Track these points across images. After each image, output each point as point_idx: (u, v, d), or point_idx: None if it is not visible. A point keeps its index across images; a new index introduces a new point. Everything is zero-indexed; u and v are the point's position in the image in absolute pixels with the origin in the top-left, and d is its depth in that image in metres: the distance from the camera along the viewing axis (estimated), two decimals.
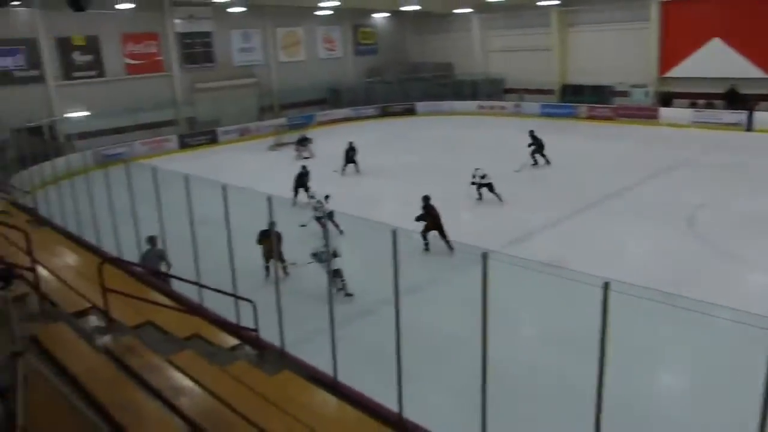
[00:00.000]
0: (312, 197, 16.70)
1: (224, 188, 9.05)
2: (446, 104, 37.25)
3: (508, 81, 37.61)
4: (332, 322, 7.71)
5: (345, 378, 7.55)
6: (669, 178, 19.53)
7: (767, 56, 27.53)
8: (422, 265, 13.06)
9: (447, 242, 13.72)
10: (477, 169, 18.05)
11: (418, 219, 13.93)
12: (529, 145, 22.13)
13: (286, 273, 12.11)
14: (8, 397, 3.35)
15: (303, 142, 26.53)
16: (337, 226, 14.82)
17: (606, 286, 5.07)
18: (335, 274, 10.90)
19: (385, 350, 7.43)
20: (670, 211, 15.85)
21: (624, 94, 32.42)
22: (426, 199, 14.18)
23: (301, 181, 18.44)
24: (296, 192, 18.18)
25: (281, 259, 11.73)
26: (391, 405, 6.54)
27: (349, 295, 11.49)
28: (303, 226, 14.88)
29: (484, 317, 5.83)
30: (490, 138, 28.84)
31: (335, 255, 11.11)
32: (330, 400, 6.25)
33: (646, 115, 30.07)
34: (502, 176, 19.93)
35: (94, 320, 6.86)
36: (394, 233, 6.69)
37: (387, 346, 7.28)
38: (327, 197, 14.87)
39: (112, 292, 7.02)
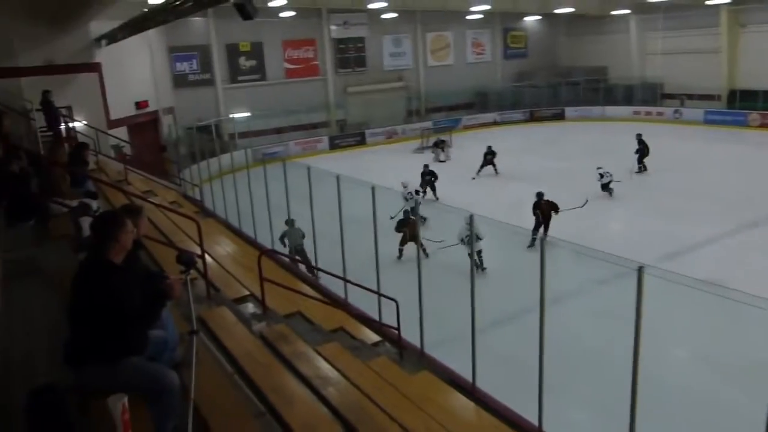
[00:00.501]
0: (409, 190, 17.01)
1: (373, 189, 9.35)
2: (597, 109, 35.61)
3: (667, 86, 35.09)
4: (473, 328, 7.69)
5: (483, 384, 7.50)
6: None
7: None
8: (568, 276, 12.58)
9: (545, 235, 14.02)
10: (599, 168, 19.05)
11: (534, 213, 14.88)
12: (637, 151, 21.81)
13: (426, 255, 12.75)
14: (183, 371, 3.71)
15: (439, 144, 27.25)
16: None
17: None
18: (478, 254, 12.21)
19: (525, 359, 7.28)
20: None
21: None
22: (539, 195, 15.12)
23: (424, 179, 19.56)
24: (423, 190, 19.07)
25: (421, 243, 12.09)
26: (529, 417, 6.41)
27: (483, 269, 12.68)
28: (392, 218, 14.87)
29: (637, 334, 5.53)
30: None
31: (479, 238, 11.84)
32: (468, 405, 6.25)
33: None
34: (650, 186, 18.75)
35: (251, 307, 7.38)
36: (542, 242, 6.55)
37: (527, 356, 7.13)
38: (418, 192, 16.36)
39: (268, 281, 7.51)
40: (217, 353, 4.92)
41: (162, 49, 26.95)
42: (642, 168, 21.84)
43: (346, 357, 6.50)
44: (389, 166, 25.22)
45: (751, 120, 29.90)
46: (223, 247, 11.41)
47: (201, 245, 6.84)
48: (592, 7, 33.49)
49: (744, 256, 13.24)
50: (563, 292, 11.10)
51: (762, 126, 29.25)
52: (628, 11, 34.44)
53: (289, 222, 13.02)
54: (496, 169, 22.65)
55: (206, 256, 7.20)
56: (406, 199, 15.72)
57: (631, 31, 36.32)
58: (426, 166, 20.55)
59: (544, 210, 14.81)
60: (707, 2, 28.97)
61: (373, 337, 8.33)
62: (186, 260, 3.78)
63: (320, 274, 11.13)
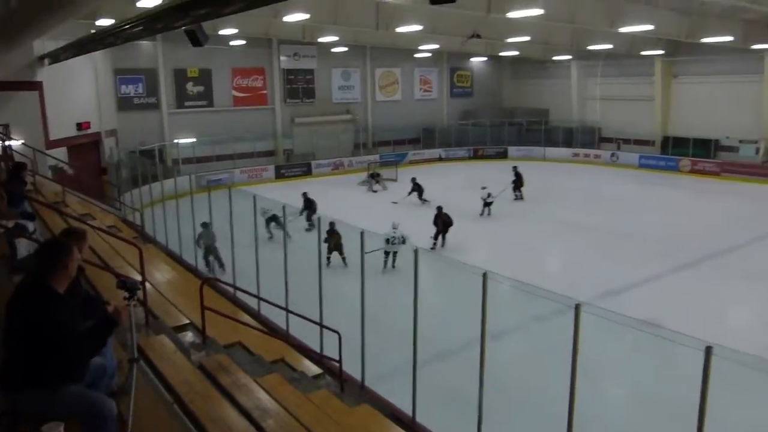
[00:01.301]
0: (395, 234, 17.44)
1: (318, 219, 9.40)
2: (539, 150, 36.86)
3: (605, 130, 36.72)
4: (415, 362, 7.75)
5: (423, 418, 7.54)
6: None
7: None
8: (508, 312, 12.83)
9: (443, 242, 17.94)
10: (484, 188, 21.98)
11: (435, 223, 17.90)
12: (513, 182, 24.70)
13: (345, 264, 14.89)
14: (121, 399, 3.62)
15: (374, 176, 28.55)
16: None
17: (708, 351, 4.87)
18: (394, 255, 15.34)
19: (465, 394, 7.37)
20: None
21: (731, 149, 30.84)
22: (439, 209, 18.14)
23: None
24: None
25: (341, 252, 15.18)
26: None
27: (393, 267, 15.23)
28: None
29: (573, 370, 5.70)
30: (582, 186, 28.26)
31: (404, 242, 14.86)
32: None
33: (755, 172, 28.45)
34: (596, 227, 19.45)
35: (190, 336, 7.22)
36: (485, 276, 6.71)
37: (467, 390, 7.23)
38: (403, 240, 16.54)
39: (209, 310, 7.39)
40: (156, 382, 4.79)
41: (107, 70, 26.43)
42: (518, 196, 24.69)
43: (287, 389, 6.42)
44: (334, 198, 25.28)
45: (682, 166, 31.50)
46: (163, 274, 11.15)
47: (142, 271, 6.69)
48: (535, 52, 34.83)
49: (677, 296, 13.79)
50: (503, 327, 11.30)
51: (692, 171, 30.83)
52: (569, 57, 35.99)
53: (205, 225, 14.65)
54: (421, 198, 24.02)
55: (146, 282, 7.03)
56: (388, 241, 15.35)
57: (572, 77, 37.94)
58: (414, 178, 24.15)
59: (445, 221, 17.86)
60: (643, 53, 30.63)
61: (314, 369, 8.27)
62: (130, 286, 3.71)
63: (262, 303, 10.99)
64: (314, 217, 18.12)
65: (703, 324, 11.43)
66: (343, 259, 15.05)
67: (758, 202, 23.14)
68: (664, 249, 17.33)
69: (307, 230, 18.63)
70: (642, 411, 9.25)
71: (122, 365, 4.01)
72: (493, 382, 7.22)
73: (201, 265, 14.13)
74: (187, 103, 30.20)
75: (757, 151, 29.66)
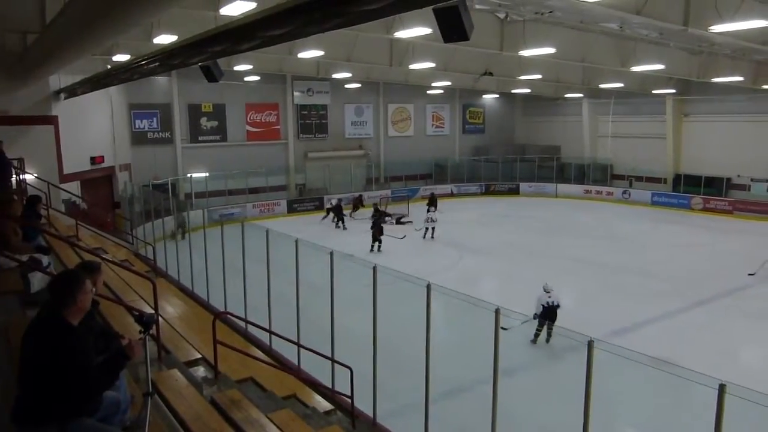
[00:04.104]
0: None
1: (331, 254, 9.41)
2: (551, 186, 36.91)
3: (617, 167, 36.76)
4: (427, 400, 7.66)
5: None
6: None
7: None
8: (521, 348, 12.70)
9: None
10: (430, 211, 24.80)
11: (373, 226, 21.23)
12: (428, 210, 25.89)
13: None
14: None
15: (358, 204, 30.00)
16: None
17: (721, 389, 4.80)
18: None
19: (478, 431, 7.26)
20: None
21: (743, 187, 30.75)
22: (376, 207, 21.96)
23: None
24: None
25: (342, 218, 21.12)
26: None
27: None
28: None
29: (587, 407, 5.62)
30: (594, 223, 28.20)
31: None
32: None
33: (765, 210, 28.31)
34: (608, 264, 19.33)
35: (202, 370, 7.19)
36: (497, 312, 6.68)
37: (480, 428, 7.13)
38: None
39: (221, 345, 7.37)
40: (169, 416, 4.77)
41: (122, 105, 26.92)
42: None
43: (298, 425, 6.36)
44: (347, 233, 25.33)
45: (693, 204, 31.37)
46: (175, 308, 11.17)
47: (156, 305, 6.70)
48: (547, 89, 35.13)
49: (689, 334, 13.61)
50: (516, 364, 11.19)
51: (705, 209, 30.68)
52: (580, 95, 36.29)
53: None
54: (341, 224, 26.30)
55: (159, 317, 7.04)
56: (544, 308, 12.93)
57: (583, 114, 38.17)
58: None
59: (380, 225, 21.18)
60: (654, 91, 30.83)
61: (326, 405, 8.19)
62: (147, 320, 3.73)
63: (274, 338, 10.95)
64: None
65: (715, 363, 11.26)
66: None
67: None
68: (675, 287, 17.17)
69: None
70: None
71: (136, 400, 4.00)
72: (505, 419, 7.12)
73: (213, 298, 14.08)
74: (200, 138, 30.62)
75: None
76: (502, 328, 13.75)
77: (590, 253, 21.39)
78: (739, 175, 30.70)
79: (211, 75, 10.45)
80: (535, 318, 12.61)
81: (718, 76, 23.95)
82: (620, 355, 6.69)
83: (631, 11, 12.52)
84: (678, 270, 19.13)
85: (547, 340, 12.89)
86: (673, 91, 31.19)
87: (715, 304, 15.78)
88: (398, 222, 27.81)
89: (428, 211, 25.53)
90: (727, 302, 15.99)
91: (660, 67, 21.35)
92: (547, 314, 12.57)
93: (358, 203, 30.04)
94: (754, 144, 29.99)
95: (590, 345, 5.78)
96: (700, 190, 31.72)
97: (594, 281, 18.06)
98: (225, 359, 7.53)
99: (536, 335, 12.83)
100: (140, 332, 3.70)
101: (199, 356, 7.53)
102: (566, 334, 6.85)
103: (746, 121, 30.49)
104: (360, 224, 25.56)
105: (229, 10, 12.68)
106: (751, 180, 30.26)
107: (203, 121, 30.75)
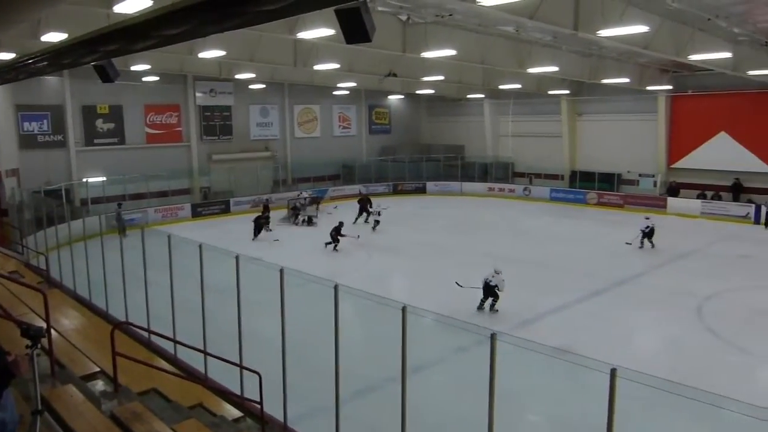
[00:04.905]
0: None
1: (237, 258, 9.22)
2: (456, 185, 37.94)
3: (518, 165, 38.38)
4: (337, 400, 7.67)
5: None
6: (678, 268, 19.53)
7: None
8: (429, 344, 12.95)
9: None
10: (379, 205, 25.98)
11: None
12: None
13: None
14: None
15: (315, 201, 29.95)
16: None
17: (613, 373, 5.10)
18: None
19: (389, 429, 7.34)
20: (679, 301, 15.80)
21: (633, 182, 32.91)
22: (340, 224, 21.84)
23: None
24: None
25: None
26: None
27: None
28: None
29: (491, 399, 5.81)
30: (497, 219, 29.28)
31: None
32: None
33: (654, 204, 30.35)
34: (512, 258, 20.08)
35: (101, 384, 6.86)
36: (404, 310, 6.77)
37: (391, 426, 7.21)
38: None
39: (121, 356, 7.06)
40: None
41: (8, 106, 25.17)
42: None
43: None
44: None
45: (589, 198, 33.21)
46: (71, 321, 10.57)
47: (47, 318, 6.33)
48: (450, 91, 36.05)
49: (588, 323, 14.39)
50: (426, 360, 11.39)
51: (599, 204, 32.57)
52: (482, 96, 37.54)
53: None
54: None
55: (51, 330, 6.65)
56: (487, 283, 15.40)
57: (485, 114, 39.52)
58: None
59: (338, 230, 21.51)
60: (550, 92, 32.38)
61: (235, 413, 8.02)
62: (34, 333, 3.51)
63: (178, 347, 10.60)
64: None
65: (611, 349, 12.01)
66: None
67: (658, 231, 24.61)
68: (574, 278, 18.10)
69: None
70: None
71: (25, 419, 3.76)
72: (415, 415, 7.24)
73: (112, 308, 13.42)
74: (96, 141, 29.10)
75: (655, 183, 31.79)
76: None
77: (494, 248, 22.13)
78: (628, 171, 32.84)
79: (106, 75, 9.99)
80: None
81: (607, 78, 25.55)
82: (522, 347, 7.00)
83: (525, 15, 13.04)
84: (576, 262, 20.17)
85: (490, 309, 15.14)
86: (567, 92, 32.94)
87: (610, 293, 16.76)
88: (310, 222, 27.69)
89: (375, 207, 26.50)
90: (621, 291, 17.02)
91: (554, 69, 22.43)
92: (485, 290, 15.03)
93: (315, 201, 29.76)
94: (641, 142, 32.23)
95: (493, 338, 5.98)
96: (595, 185, 33.77)
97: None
98: (126, 371, 7.22)
99: (479, 305, 15.16)
100: (27, 347, 3.48)
101: (98, 369, 7.18)
102: (470, 329, 7.06)
103: (633, 120, 32.72)
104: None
105: (123, 8, 12.17)
106: (639, 175, 32.49)
107: (99, 123, 29.24)
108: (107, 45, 7.40)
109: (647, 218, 22.81)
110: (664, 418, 9.36)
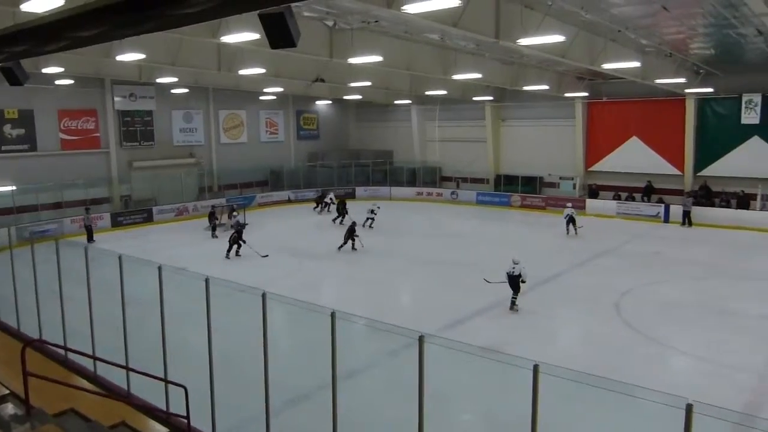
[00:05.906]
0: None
1: (160, 269, 8.91)
2: (385, 189, 38.21)
3: (445, 169, 39.10)
4: (267, 411, 7.52)
5: None
6: (597, 266, 20.38)
7: (676, 154, 29.92)
8: (359, 349, 12.94)
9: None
10: (374, 204, 27.24)
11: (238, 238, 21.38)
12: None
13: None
14: None
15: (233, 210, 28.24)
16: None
17: (535, 369, 5.24)
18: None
19: None
20: (599, 297, 16.46)
21: (554, 185, 34.15)
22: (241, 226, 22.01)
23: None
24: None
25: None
26: None
27: None
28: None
29: (421, 400, 5.85)
30: (426, 223, 29.71)
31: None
32: None
33: (574, 205, 31.39)
34: (441, 261, 20.37)
35: (11, 408, 6.45)
36: (333, 316, 6.73)
37: None
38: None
39: (33, 376, 6.67)
40: None
41: None
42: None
43: None
44: (179, 244, 24.21)
45: (513, 201, 34.21)
46: None
47: None
48: (378, 96, 36.26)
49: (515, 322, 14.75)
50: (357, 365, 11.36)
51: (522, 206, 33.60)
52: (409, 102, 38.03)
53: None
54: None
55: None
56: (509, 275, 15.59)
57: (412, 120, 40.04)
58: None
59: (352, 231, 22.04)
60: (474, 98, 33.16)
61: (161, 429, 7.73)
62: None
63: (98, 364, 10.13)
64: None
65: (537, 346, 12.37)
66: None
67: (580, 231, 25.61)
68: (502, 278, 18.48)
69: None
70: None
71: None
72: (348, 421, 7.20)
73: (24, 325, 12.68)
74: (4, 148, 27.34)
75: (575, 186, 33.13)
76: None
77: (424, 251, 22.42)
78: (549, 174, 34.05)
79: (14, 78, 9.44)
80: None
81: (528, 85, 26.42)
82: (450, 348, 7.07)
83: (449, 23, 13.26)
84: (502, 262, 20.57)
85: (510, 307, 15.17)
86: (491, 98, 33.87)
87: (535, 292, 17.21)
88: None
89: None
90: (545, 289, 17.55)
91: (478, 75, 22.95)
92: (511, 283, 15.09)
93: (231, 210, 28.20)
94: (561, 146, 33.56)
95: (421, 340, 6.03)
96: (518, 188, 34.91)
97: (428, 278, 18.95)
98: (40, 392, 6.82)
99: (511, 305, 15.21)
100: None
101: (7, 392, 6.75)
102: (399, 332, 7.07)
103: (553, 125, 34.02)
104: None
105: (31, 7, 11.52)
106: (560, 178, 33.75)
107: (7, 128, 27.55)
108: (14, 46, 6.97)
109: (569, 206, 25.38)
110: (586, 409, 9.68)
